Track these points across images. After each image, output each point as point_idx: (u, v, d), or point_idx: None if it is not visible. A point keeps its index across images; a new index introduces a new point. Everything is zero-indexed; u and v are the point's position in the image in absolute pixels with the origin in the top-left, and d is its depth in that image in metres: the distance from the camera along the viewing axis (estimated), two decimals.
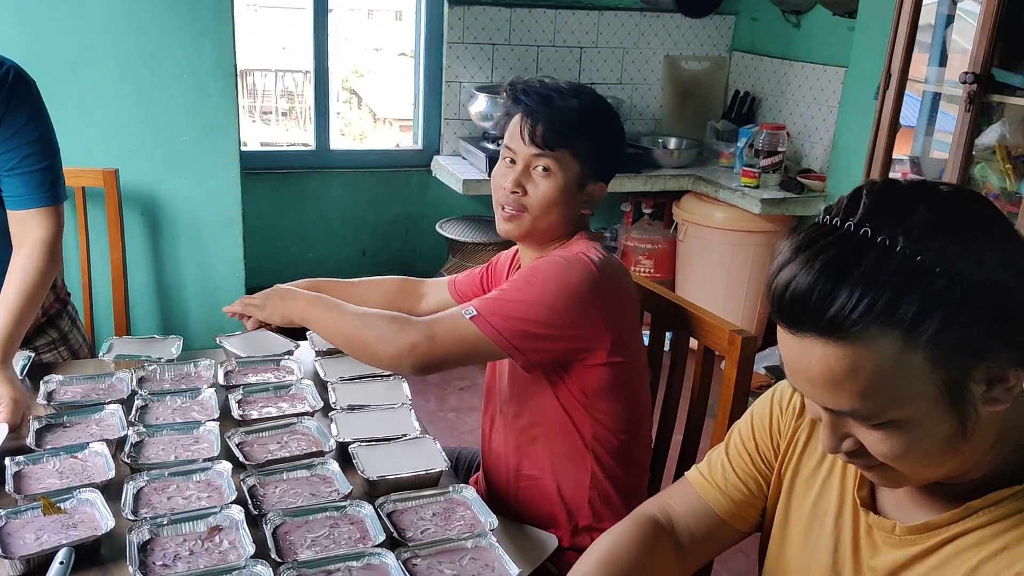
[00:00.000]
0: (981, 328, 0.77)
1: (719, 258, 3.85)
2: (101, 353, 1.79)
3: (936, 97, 3.23)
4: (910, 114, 3.33)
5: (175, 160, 2.78)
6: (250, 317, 1.72)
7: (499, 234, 1.61)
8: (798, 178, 3.70)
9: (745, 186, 3.70)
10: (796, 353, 0.83)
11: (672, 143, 4.12)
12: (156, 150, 2.78)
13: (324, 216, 3.89)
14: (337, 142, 4.24)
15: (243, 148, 3.02)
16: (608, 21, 4.12)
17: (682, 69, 4.31)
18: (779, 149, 3.72)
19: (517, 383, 1.61)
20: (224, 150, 2.85)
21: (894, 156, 3.30)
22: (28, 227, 1.67)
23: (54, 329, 1.94)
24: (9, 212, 1.69)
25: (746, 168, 3.74)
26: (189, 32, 2.73)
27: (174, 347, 1.81)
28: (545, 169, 1.53)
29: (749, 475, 1.14)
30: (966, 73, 2.78)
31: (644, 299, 1.76)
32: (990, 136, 2.93)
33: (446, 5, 3.87)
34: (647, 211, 4.11)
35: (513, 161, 1.56)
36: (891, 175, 3.35)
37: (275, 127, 7.86)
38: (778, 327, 0.84)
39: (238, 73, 2.86)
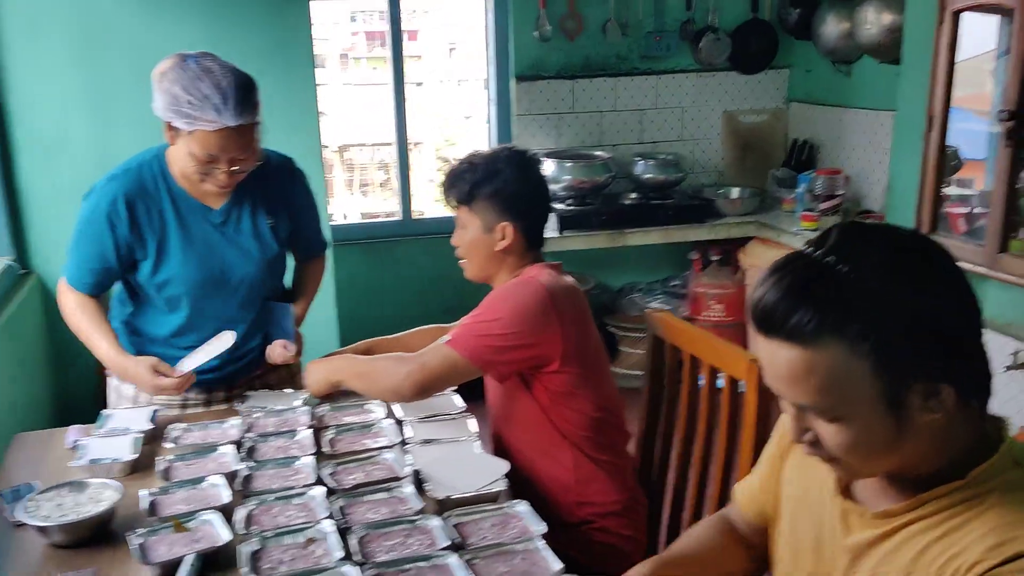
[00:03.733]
0: (916, 350, 0.96)
1: None
2: (237, 404, 2.11)
3: None
4: (977, 145, 3.43)
5: None
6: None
7: None
8: (856, 219, 3.84)
9: (805, 229, 3.86)
10: (767, 354, 1.03)
11: (735, 192, 4.31)
12: None
13: (411, 278, 4.21)
14: (430, 209, 4.58)
15: (340, 221, 3.35)
16: (666, 84, 4.37)
17: (740, 122, 4.52)
18: (837, 192, 3.88)
19: (504, 393, 1.95)
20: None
21: (965, 191, 3.42)
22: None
23: (287, 370, 2.31)
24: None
25: (806, 212, 3.90)
26: (280, 124, 3.10)
27: (298, 400, 2.10)
28: (462, 224, 1.99)
29: (771, 478, 1.33)
30: (1003, 111, 2.91)
31: (677, 336, 1.98)
32: None
33: (513, 81, 4.19)
34: (715, 258, 4.29)
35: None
36: (950, 210, 3.47)
37: (372, 198, 8.33)
38: (754, 332, 1.05)
39: (337, 148, 3.22)
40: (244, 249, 2.10)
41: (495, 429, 2.06)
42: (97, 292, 2.08)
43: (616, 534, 1.93)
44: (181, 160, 1.96)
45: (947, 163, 3.32)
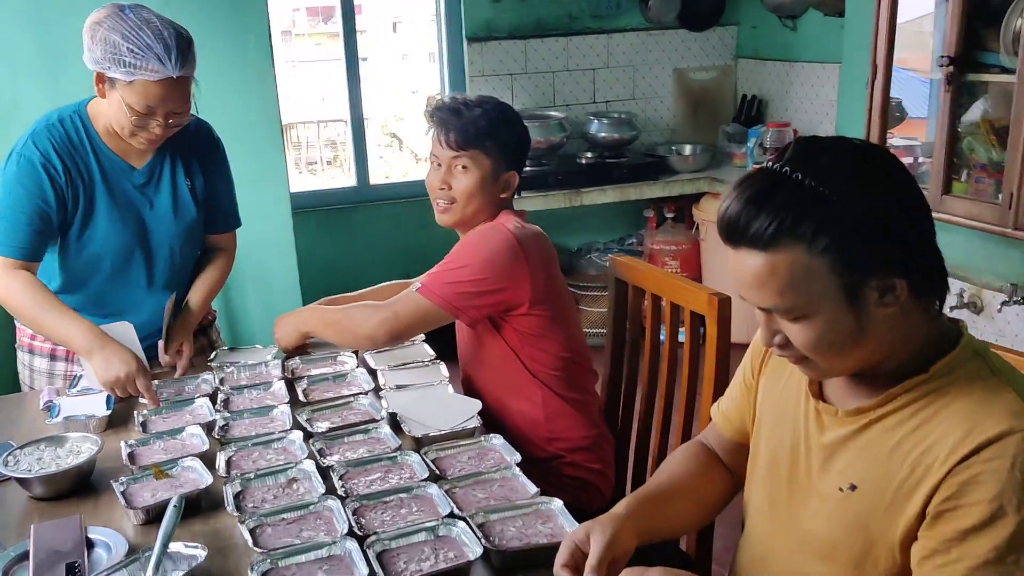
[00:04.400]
0: (869, 247, 1.03)
1: None
2: (211, 359, 2.12)
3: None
4: (920, 104, 3.54)
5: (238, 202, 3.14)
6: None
7: (439, 225, 2.04)
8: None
9: None
10: (734, 265, 1.10)
11: (687, 149, 4.39)
12: None
13: (369, 245, 4.23)
14: (379, 182, 4.59)
15: (292, 191, 3.37)
16: (617, 43, 4.42)
17: (691, 80, 4.59)
18: (786, 145, 3.97)
19: (474, 337, 2.01)
20: (276, 192, 3.21)
21: (909, 142, 3.52)
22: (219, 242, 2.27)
23: (205, 337, 2.31)
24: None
25: (755, 166, 3.98)
26: (238, 90, 3.10)
27: (269, 355, 2.12)
28: (463, 167, 1.94)
29: (745, 398, 1.40)
30: (943, 56, 3.01)
31: (640, 278, 2.04)
32: (974, 112, 3.14)
33: (465, 43, 4.20)
34: (669, 215, 4.37)
35: (440, 165, 1.98)
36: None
37: (321, 176, 8.25)
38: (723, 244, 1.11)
39: (282, 124, 3.23)
40: (162, 212, 2.07)
41: (465, 372, 2.11)
42: (35, 257, 1.97)
43: (585, 467, 1.99)
44: (112, 113, 1.90)
45: (891, 114, 3.42)
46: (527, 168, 4.02)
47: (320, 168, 8.33)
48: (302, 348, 2.14)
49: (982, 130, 3.11)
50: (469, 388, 2.09)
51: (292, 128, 8.11)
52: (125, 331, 1.99)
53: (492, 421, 2.01)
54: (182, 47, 1.84)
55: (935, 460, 1.05)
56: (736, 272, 1.10)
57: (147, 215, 2.06)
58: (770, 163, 1.08)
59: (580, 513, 1.55)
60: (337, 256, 4.18)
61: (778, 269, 1.04)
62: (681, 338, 1.94)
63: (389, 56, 9.15)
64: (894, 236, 1.03)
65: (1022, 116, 2.73)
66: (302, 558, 1.33)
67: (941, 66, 3.01)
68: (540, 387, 1.98)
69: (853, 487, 1.14)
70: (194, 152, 2.11)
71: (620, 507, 1.28)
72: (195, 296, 2.17)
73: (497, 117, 1.94)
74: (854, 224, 1.02)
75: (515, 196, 2.04)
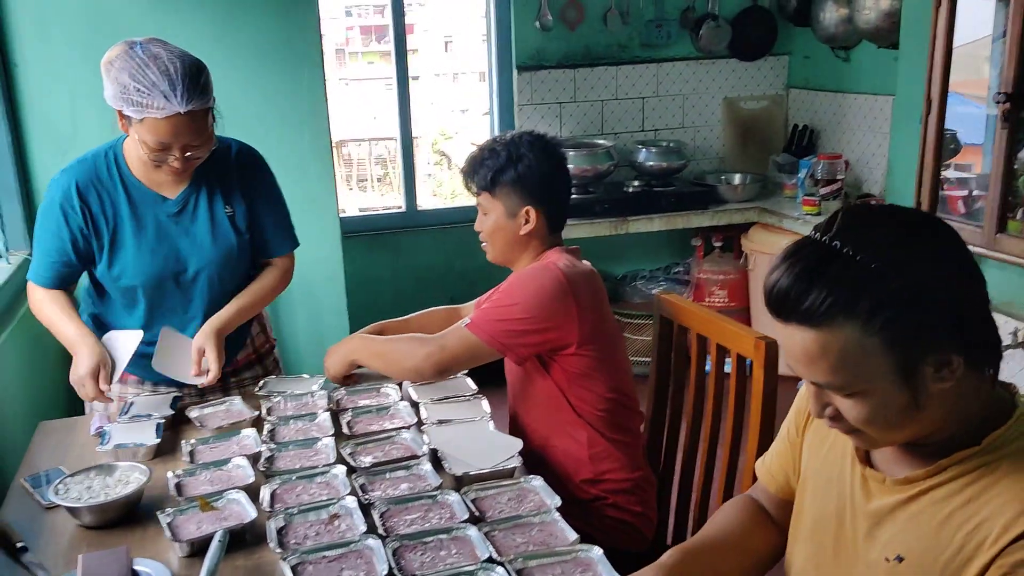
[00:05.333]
0: (926, 324, 1.01)
1: None
2: (259, 388, 2.15)
3: None
4: (975, 131, 3.48)
5: None
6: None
7: None
8: (857, 203, 3.89)
9: (807, 213, 3.91)
10: (783, 337, 1.09)
11: (736, 179, 4.36)
12: None
13: (417, 269, 4.26)
14: (428, 202, 4.64)
15: (341, 215, 3.42)
16: (667, 72, 4.42)
17: (741, 109, 4.56)
18: (838, 177, 3.93)
19: (522, 374, 2.01)
20: (325, 217, 3.26)
21: (963, 175, 3.47)
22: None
23: (260, 367, 2.34)
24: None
25: (806, 197, 3.95)
26: (290, 116, 3.16)
27: (316, 384, 2.15)
28: (483, 210, 2.03)
29: (790, 454, 1.38)
30: (999, 93, 2.96)
31: (686, 317, 2.03)
32: None
33: (515, 71, 4.24)
34: (717, 244, 4.34)
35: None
36: (949, 193, 3.51)
37: (371, 193, 8.35)
38: (771, 318, 1.10)
39: (333, 146, 3.28)
40: (199, 240, 2.08)
41: (512, 409, 2.12)
42: (59, 286, 2.06)
43: (628, 510, 1.98)
44: (135, 148, 1.94)
45: (945, 146, 3.37)
46: (573, 195, 4.03)
47: (370, 185, 8.44)
48: (351, 377, 2.16)
49: None
50: (515, 424, 2.10)
51: (343, 146, 8.23)
52: (126, 339, 2.04)
53: (536, 459, 2.01)
54: (189, 81, 1.84)
55: (987, 537, 1.03)
56: (787, 347, 1.09)
57: (182, 244, 2.08)
58: (818, 235, 1.06)
59: (621, 555, 1.54)
60: (385, 279, 4.22)
61: (831, 347, 1.03)
62: (727, 369, 1.92)
63: (440, 74, 9.24)
64: (951, 310, 1.01)
65: None
66: None
67: (997, 103, 2.96)
68: (585, 427, 1.98)
69: (900, 559, 1.11)
70: (235, 178, 2.12)
71: (667, 558, 1.27)
72: (230, 308, 2.13)
73: (503, 157, 1.97)
74: (909, 301, 1.00)
75: (553, 230, 2.04)
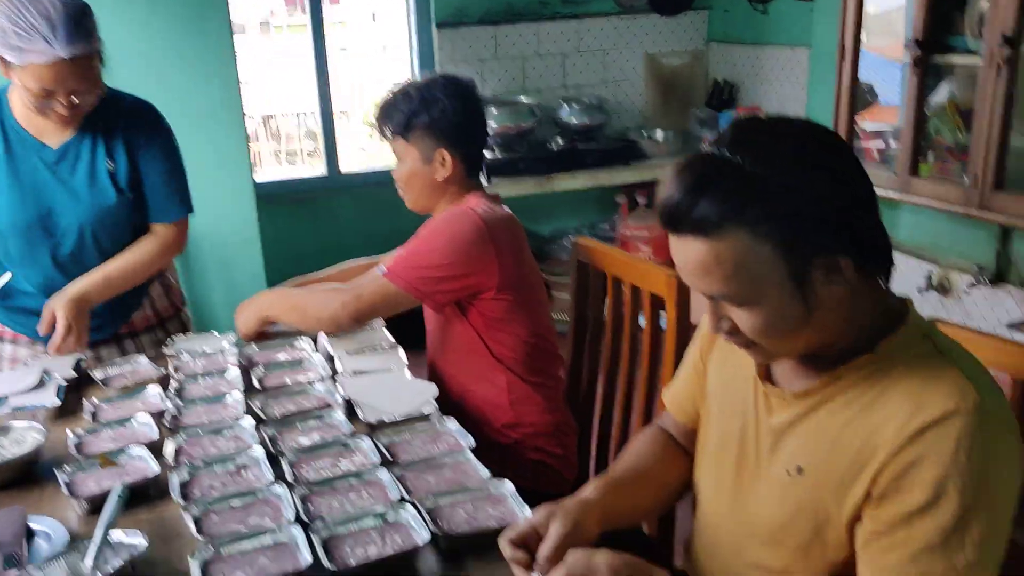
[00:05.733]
0: (813, 229, 1.01)
1: None
2: (167, 346, 2.08)
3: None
4: (894, 92, 3.52)
5: (195, 189, 3.09)
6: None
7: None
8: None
9: None
10: (678, 251, 1.08)
11: (658, 134, 4.37)
12: None
13: (341, 232, 4.19)
14: (351, 166, 4.55)
15: (261, 181, 3.33)
16: (588, 27, 4.39)
17: (662, 64, 4.56)
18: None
19: (440, 321, 1.99)
20: (238, 181, 3.17)
21: (880, 126, 3.52)
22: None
23: (162, 330, 2.25)
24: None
25: None
26: (197, 76, 3.05)
27: (227, 341, 2.09)
28: (397, 155, 1.98)
29: (695, 381, 1.38)
30: (910, 40, 3.00)
31: (601, 260, 2.02)
32: (941, 95, 3.15)
33: (435, 29, 4.16)
34: (641, 200, 4.36)
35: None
36: (865, 144, 3.57)
37: (301, 167, 8.19)
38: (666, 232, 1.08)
39: (262, 118, 3.18)
40: (75, 192, 1.99)
41: (431, 357, 2.09)
42: None
43: (548, 452, 1.98)
44: (19, 93, 1.87)
45: (861, 97, 3.42)
46: (497, 154, 4.01)
47: (300, 160, 8.26)
48: (264, 334, 2.11)
49: (948, 112, 3.11)
50: (434, 373, 2.07)
51: (272, 120, 8.03)
52: None
53: (455, 408, 1.99)
54: (71, 25, 1.75)
55: (881, 441, 1.04)
56: (679, 260, 1.08)
57: (57, 195, 1.99)
58: (710, 147, 1.06)
59: (542, 496, 1.53)
60: (308, 245, 4.14)
61: (723, 256, 1.02)
62: (643, 321, 1.93)
63: (369, 47, 9.07)
64: (837, 214, 1.01)
65: (987, 98, 2.72)
66: (246, 545, 1.31)
67: (908, 48, 3.01)
68: (505, 371, 1.96)
69: (800, 470, 1.12)
70: (123, 133, 2.02)
71: (588, 491, 1.25)
72: (92, 273, 2.02)
73: (417, 100, 1.91)
74: (797, 206, 1.00)
75: (486, 182, 2.02)
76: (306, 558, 1.25)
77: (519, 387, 1.97)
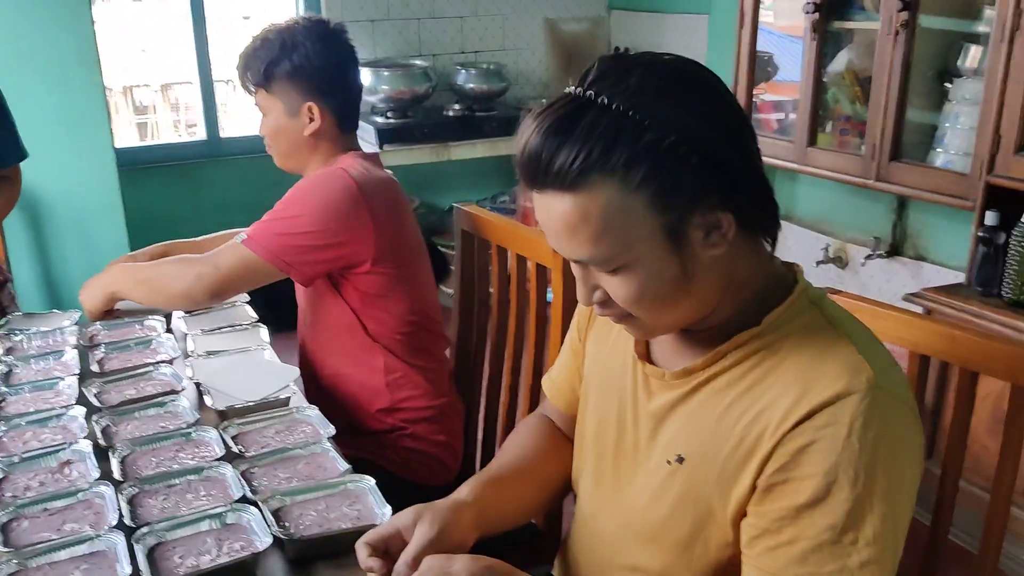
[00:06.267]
0: (689, 176, 0.87)
1: None
2: (1, 325, 1.84)
3: None
4: (793, 67, 3.46)
5: (48, 154, 2.81)
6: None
7: None
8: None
9: None
10: (541, 210, 0.93)
11: None
12: (29, 146, 2.82)
13: (222, 202, 3.93)
14: (233, 131, 4.28)
15: (129, 145, 3.06)
16: None
17: (563, 31, 4.43)
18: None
19: (311, 296, 1.79)
20: (96, 141, 2.89)
21: (779, 98, 3.45)
22: None
23: None
24: None
25: None
26: (47, 24, 2.75)
27: (68, 320, 1.87)
28: (261, 109, 1.79)
29: (574, 365, 1.24)
30: (807, 3, 2.93)
31: (485, 228, 1.87)
32: (839, 62, 3.09)
33: None
34: None
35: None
36: (763, 115, 3.51)
37: (165, 139, 7.75)
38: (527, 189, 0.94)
39: (160, 87, 2.91)
40: None
41: (302, 337, 1.91)
42: None
43: (427, 440, 1.83)
44: None
45: (761, 69, 3.34)
46: (390, 120, 3.81)
47: (162, 131, 7.82)
48: (112, 313, 1.89)
49: (847, 81, 3.06)
50: (305, 354, 1.89)
51: (170, 89, 7.55)
52: None
53: (326, 393, 1.82)
54: None
55: (767, 426, 0.91)
56: (543, 219, 0.94)
57: None
58: (573, 87, 0.91)
59: (424, 490, 1.39)
60: (184, 214, 3.87)
61: (590, 211, 0.88)
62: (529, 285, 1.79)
63: (248, 10, 8.67)
64: (716, 162, 0.88)
65: (884, 65, 2.67)
66: (58, 556, 1.12)
67: (807, 13, 2.94)
68: (383, 352, 1.79)
69: (680, 459, 0.99)
70: None
71: (463, 491, 1.10)
72: None
73: (277, 46, 1.72)
74: (668, 150, 0.86)
75: (378, 149, 1.84)
76: (125, 570, 1.08)
77: (398, 368, 1.80)
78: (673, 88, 0.89)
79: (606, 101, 0.87)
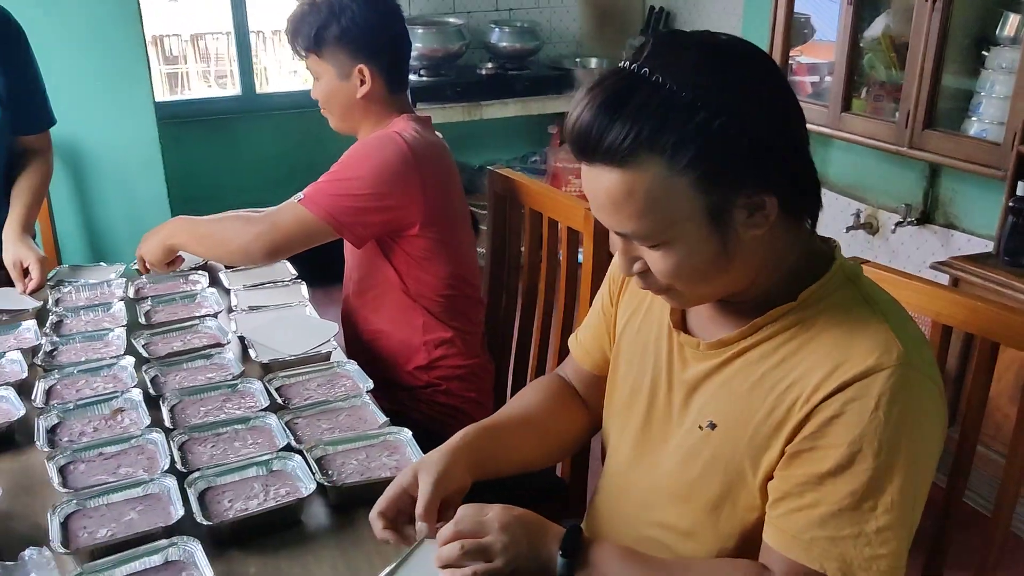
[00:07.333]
0: (736, 159, 0.89)
1: None
2: (50, 277, 1.91)
3: None
4: (830, 28, 3.43)
5: (90, 108, 2.87)
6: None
7: None
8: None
9: None
10: (589, 181, 0.95)
11: (593, 63, 4.23)
12: (71, 100, 2.87)
13: (256, 159, 3.98)
14: (271, 86, 4.32)
15: (164, 99, 3.11)
16: None
17: None
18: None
19: (358, 255, 1.84)
20: (137, 95, 2.94)
21: (815, 60, 3.43)
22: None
23: None
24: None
25: None
26: (97, 16, 2.80)
27: (114, 272, 1.93)
28: (314, 74, 1.82)
29: (604, 327, 1.28)
30: None
31: (519, 192, 1.91)
32: (876, 28, 3.07)
33: None
34: None
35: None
36: (799, 78, 3.49)
37: (231, 89, 7.77)
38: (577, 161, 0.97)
39: (191, 37, 2.94)
40: None
41: (346, 295, 1.96)
42: None
43: (459, 396, 1.88)
44: None
45: (798, 29, 3.32)
46: (423, 78, 3.83)
47: (230, 82, 7.82)
48: (173, 264, 1.93)
49: (884, 46, 3.04)
50: (348, 312, 1.94)
51: (201, 39, 7.57)
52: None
53: (367, 349, 1.88)
54: None
55: (799, 397, 0.95)
56: (590, 192, 0.96)
57: None
58: (627, 63, 0.93)
59: None
60: (222, 170, 3.93)
61: (636, 188, 0.91)
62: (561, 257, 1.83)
63: None
64: (764, 146, 0.90)
65: (921, 32, 2.65)
66: (115, 497, 1.20)
67: None
68: (423, 313, 1.84)
69: (713, 425, 1.03)
70: None
71: (455, 438, 1.15)
72: (19, 208, 1.96)
73: (325, 11, 1.74)
74: (718, 133, 0.88)
75: (395, 90, 1.83)
76: (177, 511, 1.15)
77: (436, 330, 1.85)
78: (726, 69, 0.90)
79: (659, 79, 0.89)
